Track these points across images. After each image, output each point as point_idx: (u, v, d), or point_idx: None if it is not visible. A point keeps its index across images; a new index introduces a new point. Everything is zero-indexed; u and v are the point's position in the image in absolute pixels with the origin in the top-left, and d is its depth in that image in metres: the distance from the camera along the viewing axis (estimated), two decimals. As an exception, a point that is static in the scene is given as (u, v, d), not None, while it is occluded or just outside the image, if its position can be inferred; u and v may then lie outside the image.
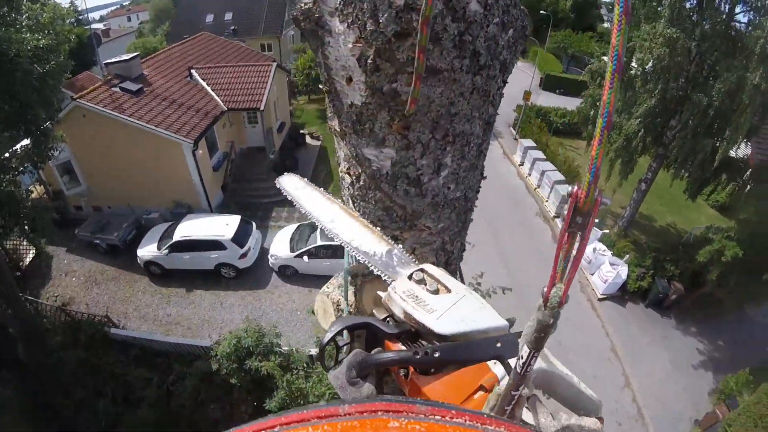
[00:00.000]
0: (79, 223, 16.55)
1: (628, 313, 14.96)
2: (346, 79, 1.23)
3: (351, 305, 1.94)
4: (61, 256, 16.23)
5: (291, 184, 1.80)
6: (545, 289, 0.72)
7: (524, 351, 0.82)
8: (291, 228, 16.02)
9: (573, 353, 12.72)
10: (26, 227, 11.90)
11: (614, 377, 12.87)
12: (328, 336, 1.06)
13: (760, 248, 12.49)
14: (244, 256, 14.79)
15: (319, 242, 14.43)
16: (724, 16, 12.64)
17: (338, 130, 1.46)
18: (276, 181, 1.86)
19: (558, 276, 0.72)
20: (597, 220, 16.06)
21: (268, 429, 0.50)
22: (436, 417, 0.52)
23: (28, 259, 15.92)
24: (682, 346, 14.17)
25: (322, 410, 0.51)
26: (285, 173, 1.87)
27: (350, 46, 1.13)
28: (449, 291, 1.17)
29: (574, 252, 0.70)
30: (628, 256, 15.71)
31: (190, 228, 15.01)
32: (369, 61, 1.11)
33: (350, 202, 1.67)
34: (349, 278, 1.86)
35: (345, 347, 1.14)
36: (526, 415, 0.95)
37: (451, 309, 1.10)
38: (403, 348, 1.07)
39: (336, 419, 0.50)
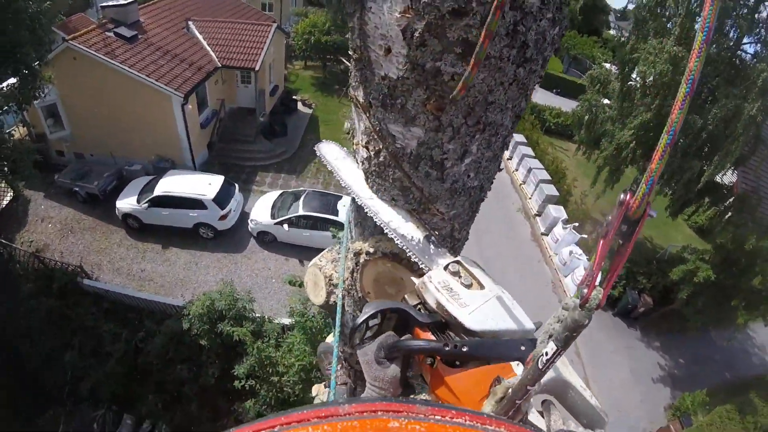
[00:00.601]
0: (59, 168, 16.13)
1: (596, 319, 14.86)
2: (384, 50, 1.18)
3: (345, 281, 1.91)
4: (38, 201, 15.83)
5: (332, 152, 1.75)
6: (585, 291, 0.73)
7: (550, 348, 0.81)
8: (274, 194, 15.91)
9: (538, 350, 12.97)
10: (5, 168, 11.53)
11: (575, 379, 13.16)
12: (363, 317, 1.08)
13: (731, 275, 12.80)
14: (224, 217, 14.66)
15: (301, 212, 14.38)
16: (732, 44, 12.75)
17: (362, 101, 1.41)
18: (315, 147, 1.82)
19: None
20: (576, 224, 16.41)
21: (268, 429, 0.50)
22: (436, 417, 0.53)
23: (4, 202, 15.47)
24: (645, 357, 14.60)
25: (322, 410, 0.52)
26: (323, 141, 1.83)
27: (397, 15, 1.08)
28: (482, 287, 1.19)
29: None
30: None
31: (171, 184, 14.77)
32: (416, 34, 1.07)
33: (363, 176, 1.64)
34: (352, 255, 1.83)
35: (373, 327, 1.16)
36: (537, 419, 0.97)
37: (483, 306, 1.13)
38: (433, 338, 1.09)
39: (336, 419, 0.51)
